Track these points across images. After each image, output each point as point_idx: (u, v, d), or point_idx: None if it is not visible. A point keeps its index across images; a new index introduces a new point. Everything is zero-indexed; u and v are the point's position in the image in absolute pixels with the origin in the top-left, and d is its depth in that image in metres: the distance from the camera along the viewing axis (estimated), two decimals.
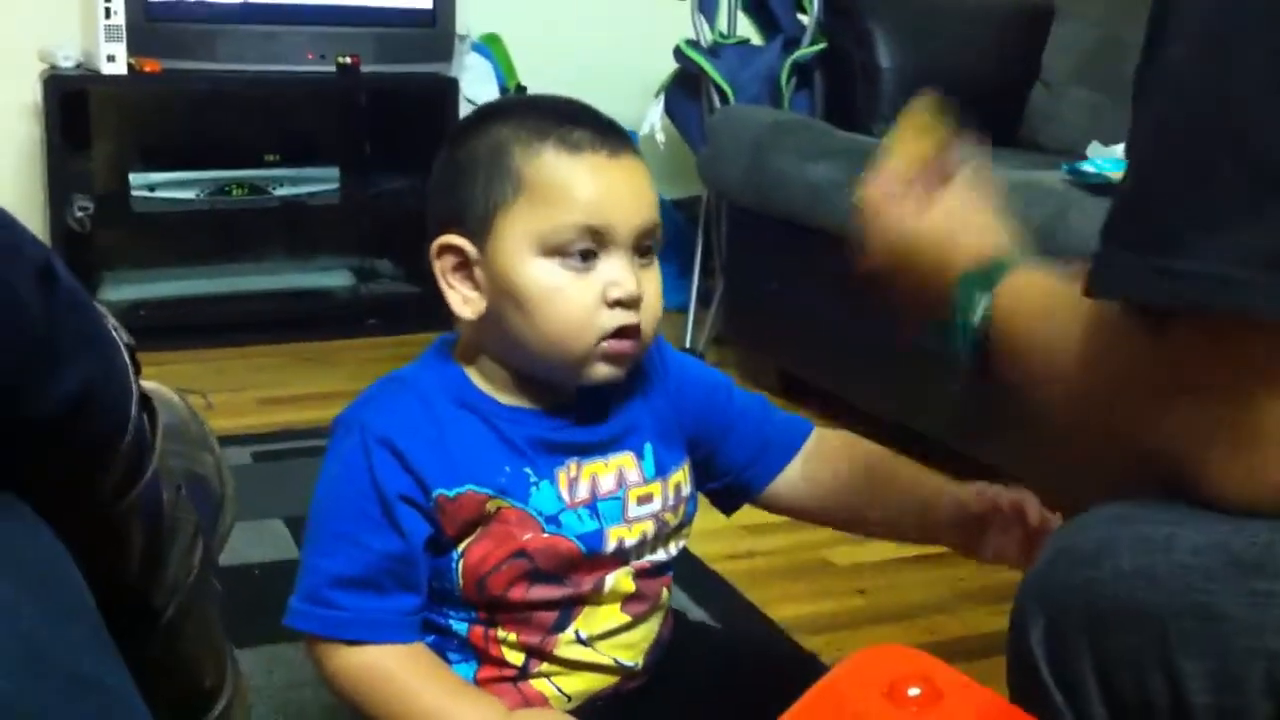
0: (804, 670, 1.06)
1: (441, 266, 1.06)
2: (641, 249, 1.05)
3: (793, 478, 1.20)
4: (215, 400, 2.47)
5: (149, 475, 0.97)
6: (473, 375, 1.08)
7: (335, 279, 3.34)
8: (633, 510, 1.09)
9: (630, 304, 1.03)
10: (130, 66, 2.89)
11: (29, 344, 0.76)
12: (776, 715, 0.78)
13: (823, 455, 1.21)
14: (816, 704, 0.77)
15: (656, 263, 1.08)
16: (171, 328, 2.97)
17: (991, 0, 3.15)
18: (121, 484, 0.94)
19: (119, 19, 2.85)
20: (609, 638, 1.09)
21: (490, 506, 1.04)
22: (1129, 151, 0.76)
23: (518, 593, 1.05)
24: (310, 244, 3.40)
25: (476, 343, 1.09)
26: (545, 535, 1.05)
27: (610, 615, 1.09)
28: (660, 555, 1.12)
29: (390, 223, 3.37)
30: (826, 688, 0.78)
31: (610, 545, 1.07)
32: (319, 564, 1.04)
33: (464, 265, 1.05)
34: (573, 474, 1.07)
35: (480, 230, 1.04)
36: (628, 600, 1.10)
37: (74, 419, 0.82)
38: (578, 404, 1.09)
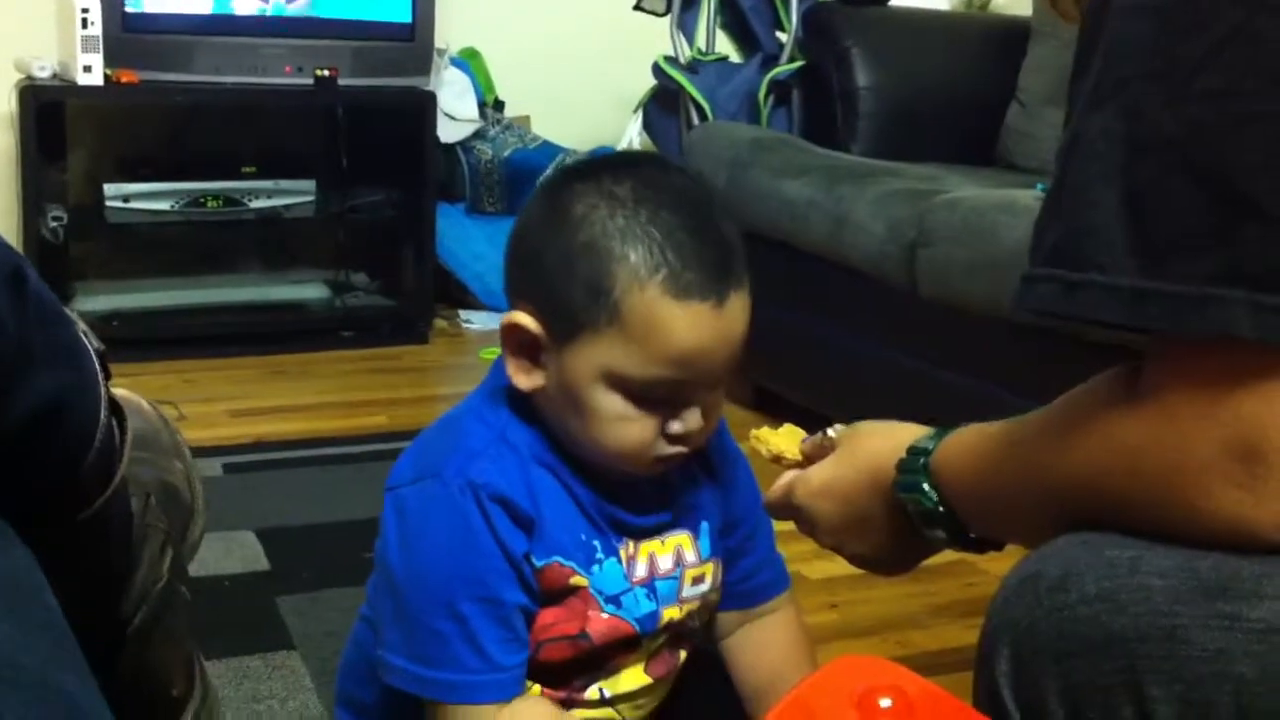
0: None
1: (507, 339, 1.02)
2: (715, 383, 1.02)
3: (734, 632, 1.18)
4: (187, 411, 2.48)
5: (117, 483, 0.96)
6: (545, 431, 1.04)
7: (310, 292, 3.33)
8: (687, 590, 1.09)
9: (689, 445, 1.02)
10: (107, 77, 2.87)
11: None
12: None
13: (760, 641, 1.18)
14: (788, 715, 0.77)
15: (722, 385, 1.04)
16: (145, 339, 2.95)
17: (968, 20, 3.17)
18: (90, 492, 0.93)
19: (96, 29, 2.83)
20: (629, 699, 1.10)
21: (574, 581, 1.03)
22: (1070, 169, 0.74)
23: (562, 659, 1.05)
24: (285, 257, 3.39)
25: (543, 412, 1.04)
26: (605, 616, 1.04)
27: (635, 678, 1.09)
28: (694, 624, 1.13)
29: (366, 236, 3.36)
30: (798, 699, 0.77)
31: (661, 625, 1.07)
32: (476, 630, 0.99)
33: (534, 346, 1.01)
34: (630, 551, 1.06)
35: (562, 332, 0.99)
36: (652, 660, 1.10)
37: (43, 427, 0.82)
38: (638, 486, 1.07)
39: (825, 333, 2.50)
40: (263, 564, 1.84)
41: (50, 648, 0.72)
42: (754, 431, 1.12)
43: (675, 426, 1.00)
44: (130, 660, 1.05)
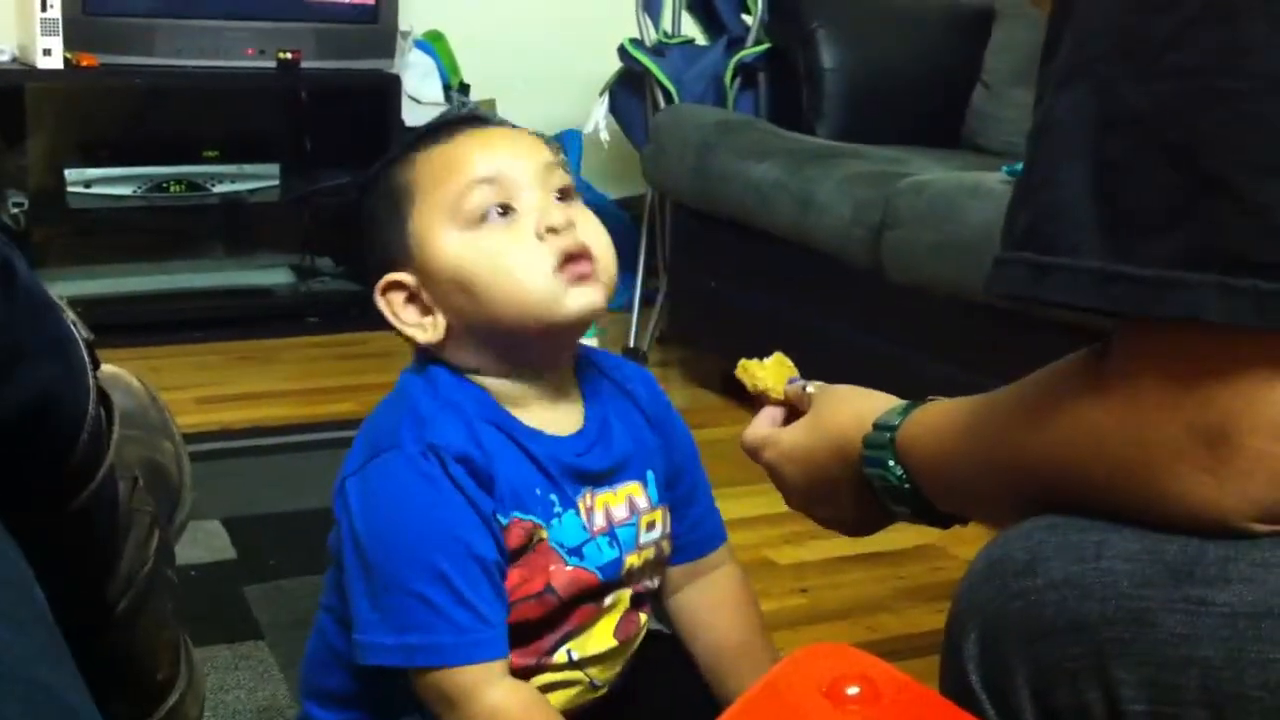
0: None
1: (391, 309, 1.05)
2: (559, 193, 1.04)
3: (680, 590, 1.18)
4: None
5: (105, 471, 0.95)
6: (488, 390, 1.06)
7: (275, 277, 3.31)
8: (643, 536, 1.10)
9: (562, 229, 1.02)
10: (67, 61, 2.85)
11: None
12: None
13: (712, 598, 1.18)
14: (755, 703, 0.77)
15: (580, 200, 1.07)
16: (109, 326, 2.89)
17: (933, 2, 3.17)
18: (77, 483, 0.92)
19: (55, 12, 2.81)
20: (597, 662, 1.09)
21: (536, 535, 1.03)
22: (1041, 151, 0.73)
23: (532, 619, 1.05)
24: (250, 241, 3.37)
25: (464, 362, 1.06)
26: (568, 568, 1.04)
27: (603, 639, 1.09)
28: (651, 583, 1.13)
29: (331, 220, 3.34)
30: (765, 687, 0.77)
31: (624, 572, 1.08)
32: (461, 588, 0.99)
33: (411, 297, 1.04)
34: (589, 503, 1.07)
35: (405, 253, 1.04)
36: (620, 624, 1.10)
37: (31, 419, 0.81)
38: (586, 430, 1.08)
39: (792, 316, 2.50)
40: (229, 553, 1.83)
41: (39, 646, 0.71)
42: (742, 361, 1.13)
43: (542, 222, 1.01)
44: (115, 645, 1.04)
